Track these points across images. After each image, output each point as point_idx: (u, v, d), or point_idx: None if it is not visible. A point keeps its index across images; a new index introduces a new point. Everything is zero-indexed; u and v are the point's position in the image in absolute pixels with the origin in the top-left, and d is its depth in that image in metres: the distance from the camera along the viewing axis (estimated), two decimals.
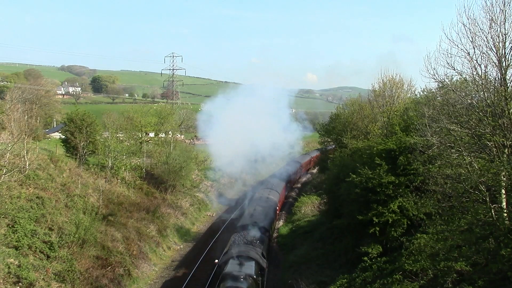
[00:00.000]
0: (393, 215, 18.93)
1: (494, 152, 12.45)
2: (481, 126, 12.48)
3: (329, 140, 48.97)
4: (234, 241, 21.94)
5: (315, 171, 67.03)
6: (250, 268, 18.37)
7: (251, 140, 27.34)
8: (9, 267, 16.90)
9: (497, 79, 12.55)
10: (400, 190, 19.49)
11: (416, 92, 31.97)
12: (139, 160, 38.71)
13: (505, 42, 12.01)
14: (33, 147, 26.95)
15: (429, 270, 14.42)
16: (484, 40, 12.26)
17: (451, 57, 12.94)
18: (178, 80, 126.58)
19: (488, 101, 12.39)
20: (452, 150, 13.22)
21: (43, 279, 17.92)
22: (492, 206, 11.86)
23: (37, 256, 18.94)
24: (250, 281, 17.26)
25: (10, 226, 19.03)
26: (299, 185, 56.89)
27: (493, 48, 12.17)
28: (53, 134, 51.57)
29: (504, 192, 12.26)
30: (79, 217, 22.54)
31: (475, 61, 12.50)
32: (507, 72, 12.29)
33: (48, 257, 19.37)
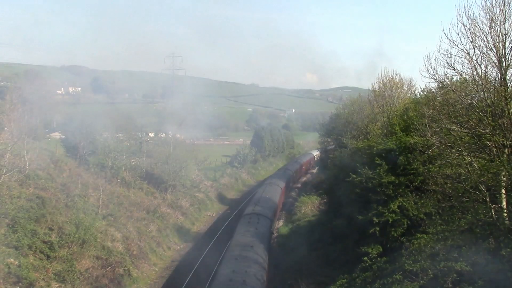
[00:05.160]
0: (393, 215, 18.92)
1: (494, 152, 12.44)
2: (481, 126, 12.47)
3: (329, 140, 49.02)
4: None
5: (315, 170, 67.06)
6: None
7: None
8: (9, 267, 16.89)
9: (497, 79, 12.54)
10: (400, 190, 19.48)
11: (416, 92, 31.98)
12: (139, 160, 38.73)
13: (505, 42, 12.00)
14: (33, 147, 26.94)
15: (429, 270, 14.39)
16: (484, 40, 12.26)
17: (451, 57, 12.94)
18: (178, 80, 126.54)
19: (488, 101, 12.38)
20: (452, 150, 13.21)
21: (43, 279, 17.92)
22: (492, 206, 11.86)
23: (37, 256, 18.93)
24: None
25: (10, 226, 19.02)
26: (299, 185, 56.90)
27: (493, 48, 12.16)
28: (53, 134, 51.56)
29: (504, 192, 12.26)
30: (79, 217, 22.53)
31: (475, 61, 12.49)
32: (507, 72, 12.28)
33: (48, 257, 19.36)
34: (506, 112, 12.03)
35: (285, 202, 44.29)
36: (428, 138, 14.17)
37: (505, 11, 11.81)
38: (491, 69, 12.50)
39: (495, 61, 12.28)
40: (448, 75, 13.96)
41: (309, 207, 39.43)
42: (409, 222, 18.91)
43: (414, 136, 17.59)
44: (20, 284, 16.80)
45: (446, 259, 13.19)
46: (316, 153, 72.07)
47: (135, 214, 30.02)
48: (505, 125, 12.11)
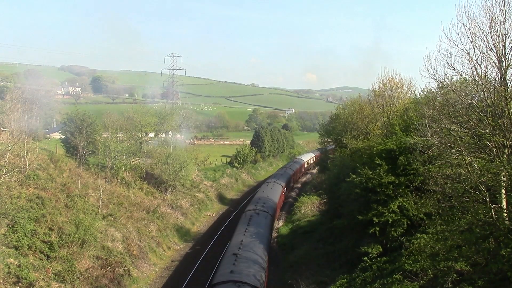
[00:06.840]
0: (393, 215, 18.95)
1: (494, 152, 12.44)
2: (481, 126, 12.46)
3: (329, 140, 49.01)
4: None
5: (315, 171, 66.98)
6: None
7: None
8: (9, 267, 16.90)
9: (497, 79, 12.52)
10: (400, 190, 19.50)
11: (416, 92, 31.99)
12: (139, 160, 38.72)
13: (505, 42, 11.99)
14: (33, 147, 26.94)
15: (429, 270, 14.42)
16: (484, 40, 12.24)
17: (451, 57, 12.92)
18: (178, 80, 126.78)
19: (488, 101, 12.38)
20: (452, 150, 13.21)
21: (43, 279, 17.92)
22: (492, 206, 11.85)
23: (37, 256, 18.94)
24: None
25: (10, 226, 19.02)
26: (299, 185, 56.89)
27: (493, 48, 12.15)
28: (53, 134, 51.60)
29: (504, 192, 12.26)
30: (79, 217, 22.54)
31: (475, 61, 12.47)
32: (507, 72, 12.27)
33: (48, 257, 19.37)
34: (506, 112, 12.02)
35: (285, 202, 44.25)
36: (428, 138, 14.15)
37: (505, 11, 11.79)
38: (491, 69, 12.49)
39: (495, 61, 12.26)
40: (448, 75, 13.96)
41: (309, 207, 39.42)
42: (409, 222, 18.93)
43: (414, 136, 17.59)
44: (20, 284, 16.80)
45: (446, 259, 13.19)
46: (307, 158, 70.04)
47: (135, 214, 30.02)
48: (505, 125, 12.11)
